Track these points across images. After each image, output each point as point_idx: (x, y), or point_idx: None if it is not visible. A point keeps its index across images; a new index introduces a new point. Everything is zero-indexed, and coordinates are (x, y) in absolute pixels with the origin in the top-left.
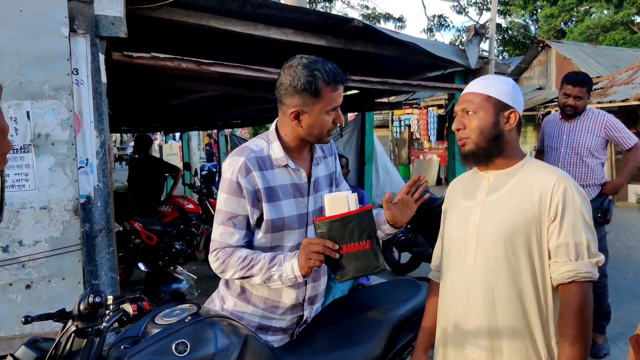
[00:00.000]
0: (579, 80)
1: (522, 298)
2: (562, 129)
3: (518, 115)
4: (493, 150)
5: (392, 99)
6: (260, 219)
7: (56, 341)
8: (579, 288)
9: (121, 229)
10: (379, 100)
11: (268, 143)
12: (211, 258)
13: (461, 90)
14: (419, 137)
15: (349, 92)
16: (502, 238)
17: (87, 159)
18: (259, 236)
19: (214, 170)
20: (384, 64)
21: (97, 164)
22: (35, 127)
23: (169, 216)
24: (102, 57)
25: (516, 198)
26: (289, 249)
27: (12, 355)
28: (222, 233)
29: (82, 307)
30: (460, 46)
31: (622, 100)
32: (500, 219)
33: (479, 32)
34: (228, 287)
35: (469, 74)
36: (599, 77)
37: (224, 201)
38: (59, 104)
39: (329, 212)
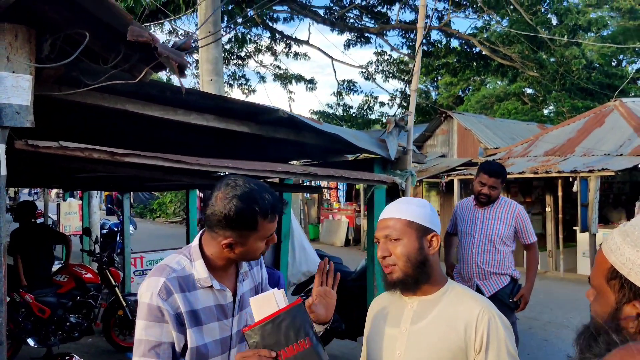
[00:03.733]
0: (494, 171)
1: None
2: (476, 215)
3: (439, 238)
4: (421, 276)
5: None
6: (184, 347)
7: None
8: None
9: (9, 299)
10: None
11: (191, 261)
12: None
13: (382, 182)
14: (328, 197)
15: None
16: None
17: None
18: None
19: (116, 229)
20: (303, 145)
21: None
22: None
23: (64, 286)
24: (2, 148)
25: (441, 328)
26: None
27: None
28: None
29: None
30: (368, 110)
31: (519, 173)
32: (426, 352)
33: (398, 124)
34: None
35: (388, 163)
36: (497, 148)
37: (143, 329)
38: None
39: (257, 316)
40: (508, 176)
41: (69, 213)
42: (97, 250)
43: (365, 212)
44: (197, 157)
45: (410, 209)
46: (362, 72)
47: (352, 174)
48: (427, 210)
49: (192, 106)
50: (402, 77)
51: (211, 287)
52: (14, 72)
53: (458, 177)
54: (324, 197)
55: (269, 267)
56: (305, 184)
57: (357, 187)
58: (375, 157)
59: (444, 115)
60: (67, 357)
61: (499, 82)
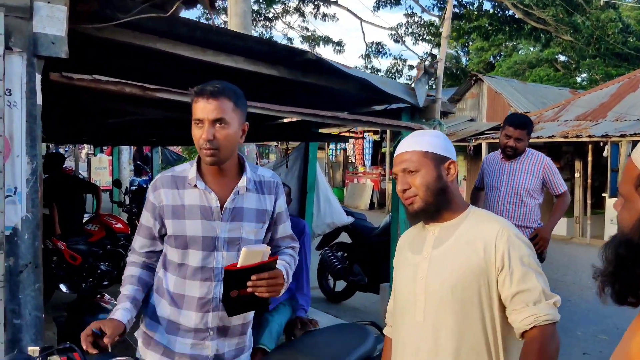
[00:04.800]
0: (520, 123)
1: (473, 352)
2: (502, 168)
3: (457, 165)
4: (441, 204)
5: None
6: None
7: None
8: (540, 332)
9: (42, 247)
10: (322, 130)
11: (191, 166)
12: None
13: (409, 128)
14: (354, 161)
15: (287, 120)
16: (450, 292)
17: (15, 187)
18: (168, 250)
19: (144, 186)
20: (330, 94)
21: (26, 192)
22: None
23: (95, 235)
24: (38, 78)
25: (461, 250)
26: (193, 270)
27: None
28: (134, 239)
29: None
30: (396, 74)
31: (549, 137)
32: (447, 273)
33: (428, 71)
34: (145, 306)
35: (416, 112)
36: (527, 112)
37: (142, 215)
38: None
39: (241, 263)
40: (537, 140)
41: (99, 168)
42: (127, 201)
43: (391, 176)
44: None
45: (425, 140)
46: (391, 34)
47: (379, 120)
48: (441, 139)
49: (222, 47)
50: (433, 39)
51: (196, 186)
52: (49, 2)
53: (487, 141)
54: (349, 161)
55: (294, 217)
56: (332, 134)
57: (382, 150)
58: (403, 107)
59: (474, 78)
60: (98, 296)
61: (532, 48)
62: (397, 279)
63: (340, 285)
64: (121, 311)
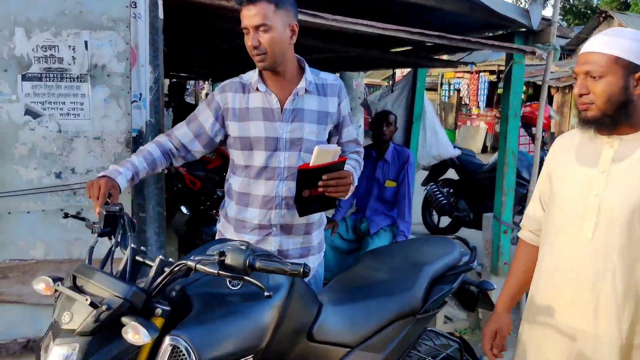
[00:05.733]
0: None
1: None
2: None
3: None
4: (620, 117)
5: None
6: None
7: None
8: None
9: (166, 172)
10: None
11: (255, 72)
12: None
13: (521, 51)
14: (467, 102)
15: (400, 49)
16: (630, 212)
17: (140, 94)
18: (234, 154)
19: None
20: (439, 19)
21: (150, 99)
22: (92, 57)
23: (212, 163)
24: None
25: None
26: (258, 170)
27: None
28: (178, 125)
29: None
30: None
31: None
32: (628, 192)
33: None
34: (221, 207)
35: (530, 35)
36: None
37: (199, 107)
38: (117, 36)
39: (313, 163)
40: None
41: None
42: None
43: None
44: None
45: (620, 42)
46: None
47: (489, 41)
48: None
49: None
50: None
51: (258, 89)
52: None
53: None
54: (463, 102)
55: (399, 145)
56: (441, 59)
57: (498, 91)
58: (517, 31)
59: (602, 15)
60: (212, 212)
61: None
62: (556, 189)
63: (445, 222)
64: (123, 178)
